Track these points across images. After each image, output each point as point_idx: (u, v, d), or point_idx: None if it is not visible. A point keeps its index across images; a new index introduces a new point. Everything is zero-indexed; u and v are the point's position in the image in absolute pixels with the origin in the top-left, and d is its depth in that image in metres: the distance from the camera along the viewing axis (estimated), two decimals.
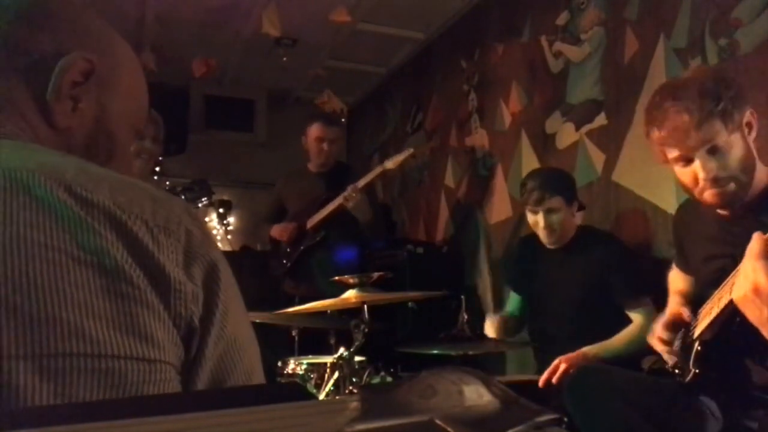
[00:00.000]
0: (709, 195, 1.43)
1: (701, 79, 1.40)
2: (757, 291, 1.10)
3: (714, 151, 1.39)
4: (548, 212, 2.21)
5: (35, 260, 0.50)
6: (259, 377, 0.65)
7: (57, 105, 0.68)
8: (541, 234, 2.27)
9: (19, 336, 0.48)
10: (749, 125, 1.41)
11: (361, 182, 3.09)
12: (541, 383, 1.99)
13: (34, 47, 0.68)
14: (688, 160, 1.43)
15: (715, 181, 1.40)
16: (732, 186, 1.40)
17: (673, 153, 1.44)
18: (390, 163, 3.11)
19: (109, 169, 0.64)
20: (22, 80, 0.67)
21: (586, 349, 2.03)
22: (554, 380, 1.96)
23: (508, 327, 2.39)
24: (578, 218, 2.34)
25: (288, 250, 3.31)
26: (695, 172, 1.42)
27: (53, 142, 0.69)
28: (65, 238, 0.52)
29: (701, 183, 1.42)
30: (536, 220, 2.25)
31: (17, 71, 0.67)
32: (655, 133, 1.46)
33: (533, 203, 2.22)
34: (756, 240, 1.14)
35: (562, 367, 1.96)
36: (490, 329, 2.31)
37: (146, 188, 0.61)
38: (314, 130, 3.30)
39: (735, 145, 1.39)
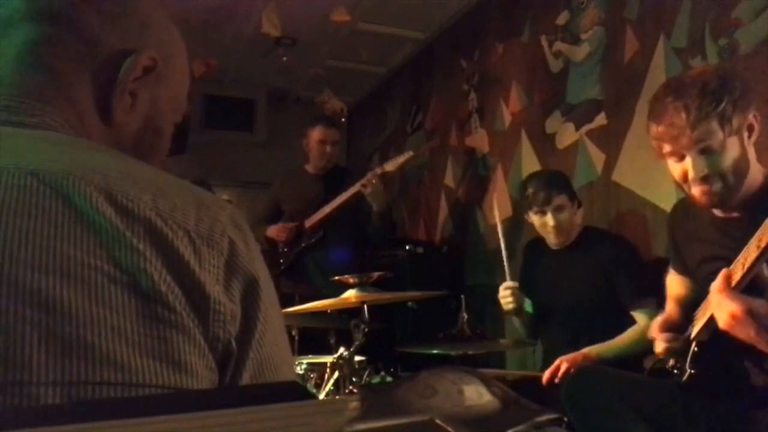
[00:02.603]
0: (697, 192, 1.46)
1: (705, 79, 1.41)
2: (734, 317, 1.20)
3: (706, 151, 1.41)
4: (556, 210, 2.22)
5: (70, 280, 0.48)
6: None
7: (118, 101, 0.66)
8: (550, 235, 2.27)
9: (49, 361, 0.46)
10: (750, 128, 1.42)
11: (382, 169, 3.10)
12: (544, 382, 1.99)
13: (102, 41, 0.66)
14: (681, 157, 1.45)
15: (704, 180, 1.43)
16: (719, 186, 1.42)
17: (667, 148, 1.47)
18: (390, 165, 3.12)
19: (154, 167, 0.62)
20: (85, 73, 0.65)
21: (587, 349, 2.03)
22: (557, 380, 1.96)
23: (525, 317, 2.36)
24: (579, 217, 2.34)
25: (285, 250, 3.32)
26: (686, 169, 1.44)
27: (104, 137, 0.66)
28: (102, 255, 0.50)
29: (690, 180, 1.45)
30: (544, 222, 2.25)
31: (81, 63, 0.65)
32: (653, 128, 1.48)
33: (541, 203, 2.22)
34: (720, 275, 1.26)
35: (564, 367, 1.97)
36: (506, 297, 2.27)
37: (192, 192, 0.58)
38: (316, 133, 3.32)
39: (729, 148, 1.40)
